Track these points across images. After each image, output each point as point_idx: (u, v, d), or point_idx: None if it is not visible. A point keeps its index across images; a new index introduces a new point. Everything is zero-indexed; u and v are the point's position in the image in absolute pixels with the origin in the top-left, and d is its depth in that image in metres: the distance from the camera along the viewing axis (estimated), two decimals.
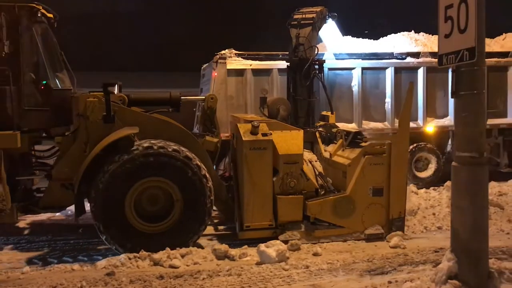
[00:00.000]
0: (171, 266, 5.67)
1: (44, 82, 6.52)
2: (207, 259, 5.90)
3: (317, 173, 7.12)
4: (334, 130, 7.87)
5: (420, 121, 10.58)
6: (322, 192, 6.86)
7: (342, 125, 9.07)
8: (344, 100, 10.38)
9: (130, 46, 20.75)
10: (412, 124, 9.86)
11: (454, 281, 4.19)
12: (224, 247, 6.06)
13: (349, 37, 11.36)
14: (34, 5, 6.38)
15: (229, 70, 9.80)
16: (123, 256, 5.84)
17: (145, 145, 6.05)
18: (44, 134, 6.84)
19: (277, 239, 6.40)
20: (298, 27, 8.83)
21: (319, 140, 7.97)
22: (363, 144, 6.82)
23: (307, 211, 6.61)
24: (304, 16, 8.91)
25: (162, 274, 5.42)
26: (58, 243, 6.99)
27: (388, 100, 10.50)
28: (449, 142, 11.03)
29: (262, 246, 5.89)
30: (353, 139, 7.01)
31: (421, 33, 11.85)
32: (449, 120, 10.74)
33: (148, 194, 6.18)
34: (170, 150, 6.07)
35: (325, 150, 7.69)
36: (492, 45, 12.03)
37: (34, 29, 6.44)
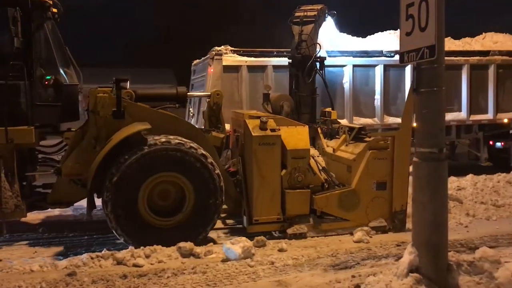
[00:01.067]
0: (135, 265, 5.46)
1: (48, 77, 6.36)
2: (172, 257, 5.67)
3: (320, 167, 7.10)
4: (335, 125, 7.90)
5: None
6: (326, 186, 6.87)
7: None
8: (336, 96, 10.36)
9: (96, 41, 20.39)
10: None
11: (415, 274, 4.13)
12: (189, 245, 5.78)
13: (344, 34, 11.31)
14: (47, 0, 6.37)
15: (225, 66, 9.78)
16: (85, 256, 5.59)
17: (162, 140, 5.99)
18: (50, 130, 6.71)
19: (285, 232, 6.46)
20: (300, 24, 8.82)
21: (321, 135, 7.99)
22: (367, 139, 6.87)
23: (314, 205, 6.60)
24: (305, 13, 8.88)
25: (126, 273, 5.20)
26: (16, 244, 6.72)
27: (377, 96, 10.60)
28: None
29: (227, 243, 5.70)
30: (357, 134, 7.08)
31: None
32: None
33: (160, 189, 6.11)
34: (187, 146, 6.04)
35: (327, 145, 7.69)
36: (473, 44, 12.13)
37: (45, 24, 6.35)
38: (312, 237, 6.46)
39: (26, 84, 5.99)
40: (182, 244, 5.80)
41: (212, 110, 7.41)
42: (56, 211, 7.97)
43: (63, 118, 6.47)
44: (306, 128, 6.99)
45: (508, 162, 11.83)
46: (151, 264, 5.54)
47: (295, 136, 6.74)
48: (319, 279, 5.05)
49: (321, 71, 9.10)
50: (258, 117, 6.71)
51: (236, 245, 5.64)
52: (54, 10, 6.66)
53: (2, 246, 6.51)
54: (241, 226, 6.88)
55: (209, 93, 7.55)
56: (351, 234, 6.51)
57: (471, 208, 7.82)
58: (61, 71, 6.57)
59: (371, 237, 6.44)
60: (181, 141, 6.05)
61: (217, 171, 6.21)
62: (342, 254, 5.81)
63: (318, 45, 8.88)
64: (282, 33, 9.37)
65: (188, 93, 7.31)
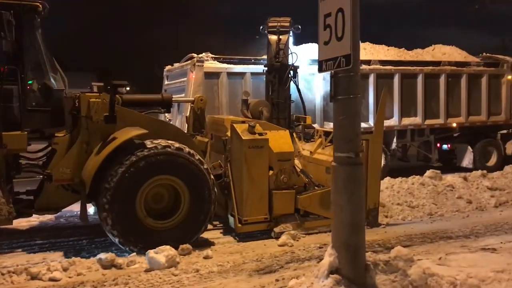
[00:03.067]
0: (52, 279, 4.94)
1: (30, 82, 6.16)
2: (92, 269, 5.20)
3: (298, 169, 7.17)
4: (309, 130, 8.04)
5: (371, 122, 11.05)
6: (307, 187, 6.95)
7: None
8: (307, 102, 10.50)
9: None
10: (363, 125, 10.56)
11: (335, 275, 4.01)
12: (110, 255, 5.32)
13: (315, 44, 11.68)
14: (39, 3, 6.04)
15: (206, 73, 9.92)
16: None
17: (160, 144, 5.90)
18: (37, 135, 6.36)
19: (272, 231, 6.48)
20: (278, 34, 8.95)
21: (296, 139, 8.06)
22: None
23: (298, 205, 6.66)
24: (280, 24, 9.01)
25: None
26: None
27: None
28: (394, 140, 11.63)
29: (151, 253, 5.28)
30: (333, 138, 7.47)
31: (367, 42, 12.24)
32: (394, 121, 11.28)
33: (154, 192, 5.98)
34: (183, 150, 5.99)
35: (303, 149, 7.81)
36: (424, 55, 12.65)
37: (37, 28, 6.11)
38: (297, 235, 6.49)
39: (19, 88, 5.76)
40: (102, 255, 5.32)
41: (196, 115, 7.45)
42: None
43: (52, 123, 6.23)
44: (287, 132, 7.08)
45: (454, 163, 12.62)
46: (69, 277, 5.02)
47: (279, 139, 6.79)
48: (244, 284, 4.82)
49: (295, 79, 9.28)
50: (243, 122, 6.73)
51: (160, 254, 5.25)
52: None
53: None
54: (223, 226, 6.96)
55: (193, 99, 7.55)
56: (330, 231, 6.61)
57: (389, 209, 7.77)
58: (51, 76, 6.36)
59: (296, 240, 6.34)
60: (178, 146, 5.97)
61: (210, 172, 6.18)
62: (267, 259, 5.60)
63: (295, 54, 9.01)
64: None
65: (173, 99, 7.28)
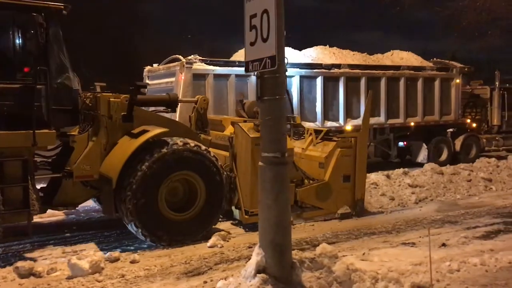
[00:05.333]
0: None
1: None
2: (7, 279, 4.66)
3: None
4: (300, 129, 8.28)
5: (341, 121, 11.38)
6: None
7: None
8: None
9: None
10: (334, 124, 10.95)
11: (262, 274, 3.86)
12: (28, 264, 4.79)
13: (290, 48, 11.62)
14: (63, 6, 6.02)
15: (194, 74, 10.11)
16: None
17: (182, 142, 6.10)
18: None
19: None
20: None
21: (287, 137, 8.31)
22: (335, 139, 7.30)
23: (297, 197, 6.91)
24: None
25: None
26: None
27: (318, 104, 11.22)
28: None
29: (73, 259, 4.75)
30: (325, 135, 7.60)
31: (334, 47, 12.42)
32: (361, 121, 11.96)
33: (172, 187, 6.12)
34: (202, 148, 6.19)
35: (294, 146, 7.70)
36: (384, 59, 12.85)
37: (61, 29, 6.09)
38: (294, 224, 6.80)
39: (47, 88, 5.79)
40: (19, 263, 4.73)
41: (199, 115, 7.61)
42: None
43: (71, 122, 6.28)
44: None
45: (409, 159, 13.04)
46: None
47: None
48: None
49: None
50: (245, 121, 6.87)
51: (83, 260, 4.72)
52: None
53: None
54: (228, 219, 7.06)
55: (196, 99, 7.68)
56: (324, 220, 7.19)
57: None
58: (72, 76, 6.31)
59: (226, 241, 6.02)
60: (197, 144, 6.16)
61: (223, 166, 6.37)
62: (196, 261, 5.20)
63: (286, 59, 9.21)
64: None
65: (178, 99, 7.36)
